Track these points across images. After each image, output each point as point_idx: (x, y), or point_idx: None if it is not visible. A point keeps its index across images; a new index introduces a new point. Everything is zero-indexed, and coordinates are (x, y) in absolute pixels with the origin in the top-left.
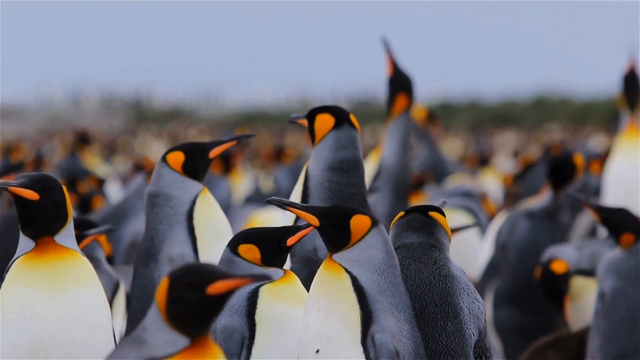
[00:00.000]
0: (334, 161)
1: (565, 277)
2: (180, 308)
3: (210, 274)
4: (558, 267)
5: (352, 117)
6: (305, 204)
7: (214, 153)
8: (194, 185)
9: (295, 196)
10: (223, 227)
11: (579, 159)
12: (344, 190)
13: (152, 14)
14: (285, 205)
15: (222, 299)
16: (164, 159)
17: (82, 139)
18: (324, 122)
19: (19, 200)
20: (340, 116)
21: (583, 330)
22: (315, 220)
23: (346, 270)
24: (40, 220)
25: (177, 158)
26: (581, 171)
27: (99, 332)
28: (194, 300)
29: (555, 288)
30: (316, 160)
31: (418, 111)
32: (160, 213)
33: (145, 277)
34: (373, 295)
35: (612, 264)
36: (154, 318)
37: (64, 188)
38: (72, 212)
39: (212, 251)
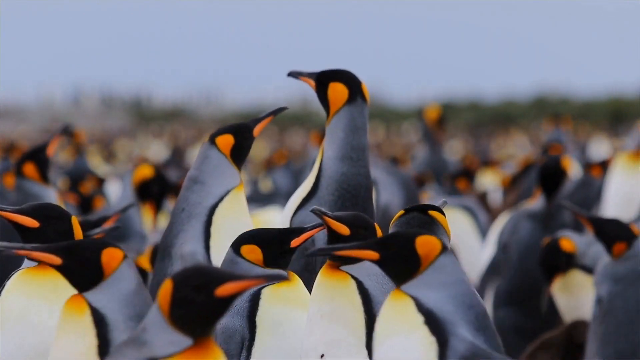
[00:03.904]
0: (347, 147)
1: (568, 257)
2: (186, 310)
3: (217, 275)
4: (566, 245)
5: (364, 87)
6: (334, 214)
7: (257, 131)
8: (233, 176)
9: (307, 184)
10: (241, 227)
11: (566, 162)
12: (351, 181)
13: (152, 15)
14: (322, 215)
15: (229, 300)
16: (212, 141)
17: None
18: (338, 93)
19: (17, 227)
20: (354, 89)
21: (570, 326)
22: (345, 229)
23: (351, 275)
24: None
25: (227, 141)
26: (570, 173)
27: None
28: (201, 302)
29: (554, 262)
30: (331, 140)
31: (431, 111)
32: (189, 197)
33: (159, 273)
34: (377, 297)
35: (609, 268)
36: (155, 319)
37: (73, 218)
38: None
39: (223, 250)
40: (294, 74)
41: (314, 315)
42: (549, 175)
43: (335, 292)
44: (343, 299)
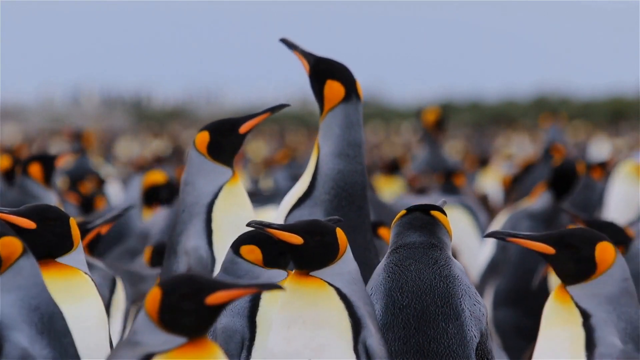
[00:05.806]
0: (343, 143)
1: None
2: (176, 317)
3: (208, 284)
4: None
5: (358, 86)
6: (285, 224)
7: (245, 128)
8: (221, 172)
9: (303, 182)
10: (241, 221)
11: (581, 168)
12: (347, 179)
13: (152, 15)
14: (264, 228)
15: (220, 307)
16: (194, 140)
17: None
18: (335, 90)
19: (14, 228)
20: (350, 88)
21: None
22: (297, 239)
23: (328, 283)
24: (38, 247)
25: (203, 139)
26: (581, 179)
27: (96, 345)
28: (191, 310)
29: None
30: (327, 136)
31: (429, 113)
32: (185, 200)
33: (167, 270)
34: (356, 301)
35: None
36: (144, 323)
37: (71, 219)
38: (79, 240)
39: (225, 246)
40: (288, 44)
41: (294, 321)
42: (563, 177)
43: (316, 297)
44: (326, 304)
